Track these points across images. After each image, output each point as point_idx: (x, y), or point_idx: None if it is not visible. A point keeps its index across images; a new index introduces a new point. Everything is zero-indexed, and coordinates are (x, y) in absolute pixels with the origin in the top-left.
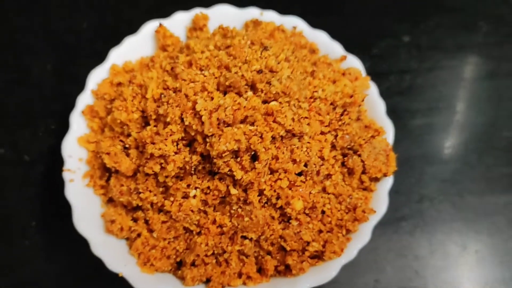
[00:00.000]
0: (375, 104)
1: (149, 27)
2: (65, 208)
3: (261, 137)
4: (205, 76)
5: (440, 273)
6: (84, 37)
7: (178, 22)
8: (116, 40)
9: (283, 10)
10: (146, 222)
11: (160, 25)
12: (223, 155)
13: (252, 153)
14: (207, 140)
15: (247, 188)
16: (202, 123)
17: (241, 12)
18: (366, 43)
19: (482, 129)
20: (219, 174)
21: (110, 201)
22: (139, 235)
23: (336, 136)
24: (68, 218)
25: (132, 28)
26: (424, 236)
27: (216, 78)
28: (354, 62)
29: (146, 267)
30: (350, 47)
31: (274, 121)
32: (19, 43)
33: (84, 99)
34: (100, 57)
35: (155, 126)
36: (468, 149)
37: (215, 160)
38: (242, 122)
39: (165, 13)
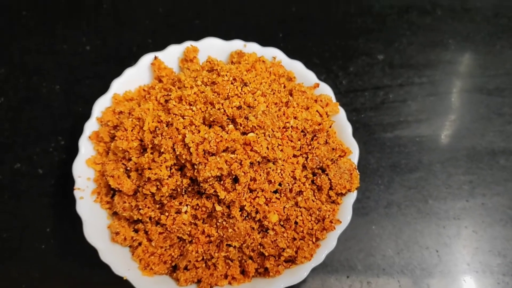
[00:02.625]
0: (343, 127)
1: (146, 59)
2: (75, 216)
3: (240, 163)
4: (193, 111)
5: (404, 270)
6: (87, 59)
7: (171, 54)
8: (116, 61)
9: (266, 34)
10: (146, 232)
11: (156, 57)
12: (208, 180)
13: (233, 177)
14: (195, 167)
15: (230, 205)
16: (191, 153)
17: (227, 44)
18: (344, 62)
19: (446, 140)
20: (206, 194)
21: (115, 214)
22: (140, 244)
23: (306, 158)
24: (78, 224)
25: (131, 50)
26: (391, 238)
27: (202, 112)
28: (326, 89)
29: (146, 271)
30: (329, 65)
31: (251, 150)
32: (28, 64)
33: (90, 126)
34: (102, 78)
35: (151, 153)
36: (433, 159)
37: (202, 184)
38: (224, 151)
39: (160, 35)
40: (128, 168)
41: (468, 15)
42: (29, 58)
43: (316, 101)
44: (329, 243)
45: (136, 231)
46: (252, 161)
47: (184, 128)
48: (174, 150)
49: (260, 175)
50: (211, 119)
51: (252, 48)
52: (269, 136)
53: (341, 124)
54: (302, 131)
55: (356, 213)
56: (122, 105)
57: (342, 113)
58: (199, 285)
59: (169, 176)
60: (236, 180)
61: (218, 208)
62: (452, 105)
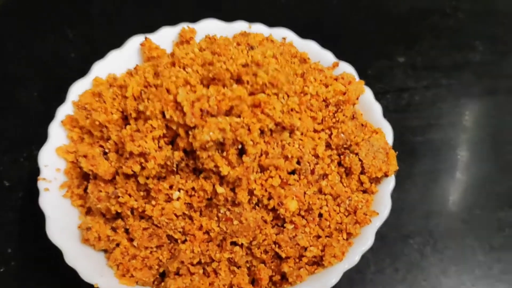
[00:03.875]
0: (371, 107)
1: (134, 41)
2: (43, 233)
3: (248, 129)
4: (187, 72)
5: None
6: (71, 66)
7: (165, 37)
8: None
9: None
10: (126, 231)
11: (146, 38)
12: (207, 145)
13: (239, 146)
14: (190, 133)
15: (235, 186)
16: (184, 114)
17: (229, 26)
18: (361, 64)
19: (488, 143)
20: (204, 173)
21: (89, 212)
22: (118, 244)
23: (330, 134)
24: (48, 245)
25: None
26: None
27: (200, 74)
28: (347, 69)
29: (126, 278)
30: None
31: (262, 113)
32: (5, 71)
33: (65, 110)
34: None
35: (135, 125)
36: (471, 163)
37: (198, 153)
38: (227, 114)
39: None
40: (107, 151)
41: (494, 18)
42: (4, 63)
43: (336, 79)
44: (365, 239)
45: (114, 230)
46: (262, 128)
47: (176, 88)
48: (163, 115)
49: (274, 149)
50: (210, 75)
51: (258, 29)
52: (283, 99)
53: (369, 105)
54: (323, 100)
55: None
56: (104, 87)
57: (368, 93)
58: None
59: (156, 150)
60: (242, 153)
61: (219, 190)
62: (489, 106)
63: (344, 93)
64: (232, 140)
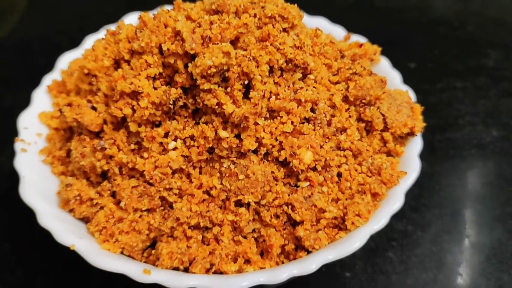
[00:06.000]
0: (388, 76)
1: (130, 17)
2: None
3: (256, 62)
4: (187, 11)
5: None
6: None
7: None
8: None
9: None
10: (113, 195)
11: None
12: (209, 72)
13: (245, 82)
14: (190, 64)
15: (241, 131)
16: (183, 41)
17: None
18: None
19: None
20: (205, 116)
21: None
22: (102, 208)
23: (347, 88)
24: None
25: None
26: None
27: (201, 11)
28: (360, 40)
29: (109, 244)
30: None
31: (271, 45)
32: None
33: (51, 78)
34: None
35: (128, 66)
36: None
37: (199, 82)
38: (232, 45)
39: None
40: (94, 105)
41: (503, 28)
42: None
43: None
44: (392, 201)
45: (99, 194)
46: (272, 64)
47: (176, 22)
48: (160, 51)
49: (285, 91)
50: (213, 7)
51: None
52: (296, 36)
53: (386, 73)
54: (339, 50)
55: (411, 222)
56: (97, 41)
57: (384, 61)
58: (191, 267)
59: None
60: (249, 93)
61: (223, 134)
62: (508, 107)
63: (361, 46)
64: (238, 73)
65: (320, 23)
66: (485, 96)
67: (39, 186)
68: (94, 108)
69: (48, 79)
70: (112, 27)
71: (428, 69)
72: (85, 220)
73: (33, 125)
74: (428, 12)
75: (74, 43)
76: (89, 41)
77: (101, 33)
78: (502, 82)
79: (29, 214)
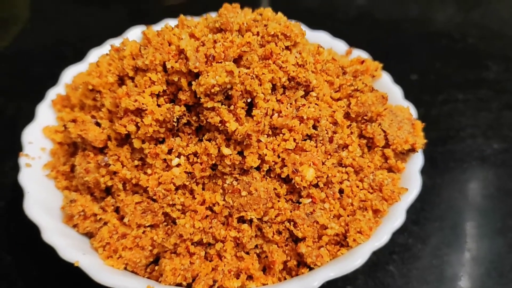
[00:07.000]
0: (390, 91)
1: (134, 31)
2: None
3: (259, 80)
4: (191, 28)
5: None
6: None
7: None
8: None
9: None
10: (117, 210)
11: (147, 26)
12: (213, 91)
13: (248, 100)
14: (193, 82)
15: (244, 148)
16: (187, 59)
17: None
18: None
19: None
20: (209, 133)
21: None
22: (106, 223)
23: (349, 104)
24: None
25: None
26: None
27: (206, 35)
28: (361, 54)
29: (113, 259)
30: None
31: (274, 63)
32: None
33: (56, 92)
34: None
35: (132, 83)
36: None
37: (202, 101)
38: (235, 63)
39: None
40: (99, 120)
41: (503, 41)
42: None
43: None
44: (394, 218)
45: (102, 209)
46: (274, 82)
47: (180, 40)
48: (164, 69)
49: (287, 108)
50: (216, 25)
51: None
52: (298, 53)
53: (387, 89)
54: (340, 67)
55: (412, 235)
56: (101, 56)
57: (386, 77)
58: (194, 284)
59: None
60: (251, 110)
61: (226, 151)
62: (510, 121)
63: (362, 62)
64: (241, 91)
65: (321, 37)
66: (487, 108)
67: (43, 201)
68: (98, 124)
69: (52, 93)
70: (116, 41)
71: (430, 81)
72: (89, 235)
73: (37, 140)
74: (429, 24)
75: (76, 53)
76: (93, 55)
77: (105, 48)
78: (504, 94)
79: (31, 226)
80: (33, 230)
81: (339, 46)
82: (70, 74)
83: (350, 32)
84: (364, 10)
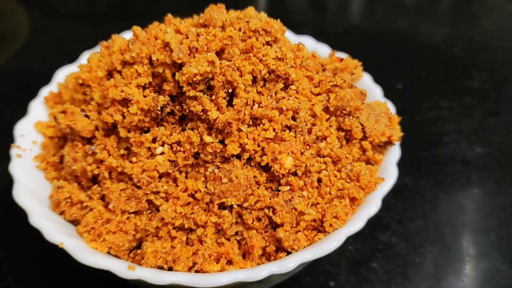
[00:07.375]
0: (370, 91)
1: (127, 35)
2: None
3: (240, 71)
4: (176, 25)
5: None
6: None
7: None
8: None
9: None
10: (103, 198)
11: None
12: (195, 79)
13: (229, 90)
14: (177, 73)
15: (225, 136)
16: (171, 51)
17: None
18: None
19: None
20: (191, 123)
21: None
22: (91, 210)
23: (328, 99)
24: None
25: None
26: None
27: (190, 30)
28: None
29: (97, 243)
30: None
31: (254, 56)
32: None
33: (48, 90)
34: None
35: (120, 75)
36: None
37: (185, 89)
38: (218, 56)
39: None
40: (88, 114)
41: (489, 52)
42: None
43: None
44: (370, 205)
45: (89, 197)
46: (255, 74)
47: (165, 34)
48: (150, 62)
49: (267, 99)
50: (201, 21)
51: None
52: (278, 49)
53: (368, 88)
54: (321, 64)
55: (396, 234)
56: (92, 53)
57: (366, 77)
58: (175, 265)
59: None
60: (232, 101)
61: (207, 139)
62: (492, 125)
63: (341, 60)
64: (222, 82)
65: (306, 42)
66: (470, 115)
67: (32, 190)
68: (87, 116)
69: (45, 91)
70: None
71: (415, 90)
72: (75, 223)
73: (29, 133)
74: (416, 36)
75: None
76: (85, 57)
77: (97, 48)
78: (487, 102)
79: (28, 225)
80: (31, 229)
81: (323, 49)
82: (63, 74)
83: (339, 44)
84: (353, 23)
